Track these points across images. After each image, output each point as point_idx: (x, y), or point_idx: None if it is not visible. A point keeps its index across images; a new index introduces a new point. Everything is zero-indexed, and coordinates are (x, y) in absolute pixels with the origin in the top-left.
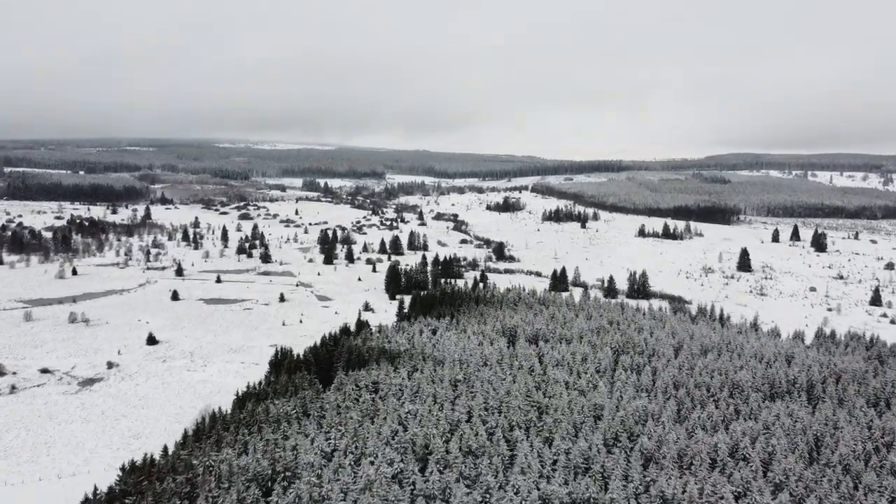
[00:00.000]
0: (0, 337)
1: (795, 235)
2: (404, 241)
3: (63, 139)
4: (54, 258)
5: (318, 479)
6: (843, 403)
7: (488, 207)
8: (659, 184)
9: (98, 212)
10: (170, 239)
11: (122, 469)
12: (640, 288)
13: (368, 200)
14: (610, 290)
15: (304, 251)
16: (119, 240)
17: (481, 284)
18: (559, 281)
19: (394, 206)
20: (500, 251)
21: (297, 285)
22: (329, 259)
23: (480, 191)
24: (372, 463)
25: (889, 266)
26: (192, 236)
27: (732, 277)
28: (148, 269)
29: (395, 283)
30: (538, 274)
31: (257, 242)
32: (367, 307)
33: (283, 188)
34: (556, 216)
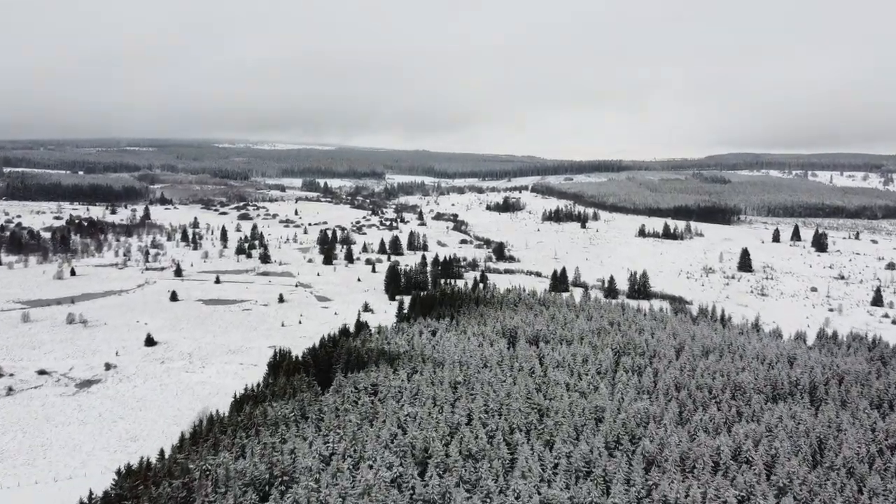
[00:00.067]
0: None
1: (796, 235)
2: (404, 241)
3: (62, 139)
4: (53, 259)
5: (317, 483)
6: (846, 405)
7: (488, 207)
8: (659, 184)
9: (97, 212)
10: (169, 239)
11: (118, 473)
12: (640, 288)
13: (368, 200)
14: (610, 290)
15: (303, 251)
16: (118, 240)
17: (481, 285)
18: (559, 281)
19: (393, 207)
20: (499, 251)
21: (296, 286)
22: (328, 259)
23: (480, 191)
24: (371, 467)
25: (890, 266)
26: (191, 236)
27: (733, 278)
28: (147, 269)
29: (395, 283)
30: (538, 274)
31: (256, 243)
32: (366, 308)
33: (282, 188)
34: (556, 216)
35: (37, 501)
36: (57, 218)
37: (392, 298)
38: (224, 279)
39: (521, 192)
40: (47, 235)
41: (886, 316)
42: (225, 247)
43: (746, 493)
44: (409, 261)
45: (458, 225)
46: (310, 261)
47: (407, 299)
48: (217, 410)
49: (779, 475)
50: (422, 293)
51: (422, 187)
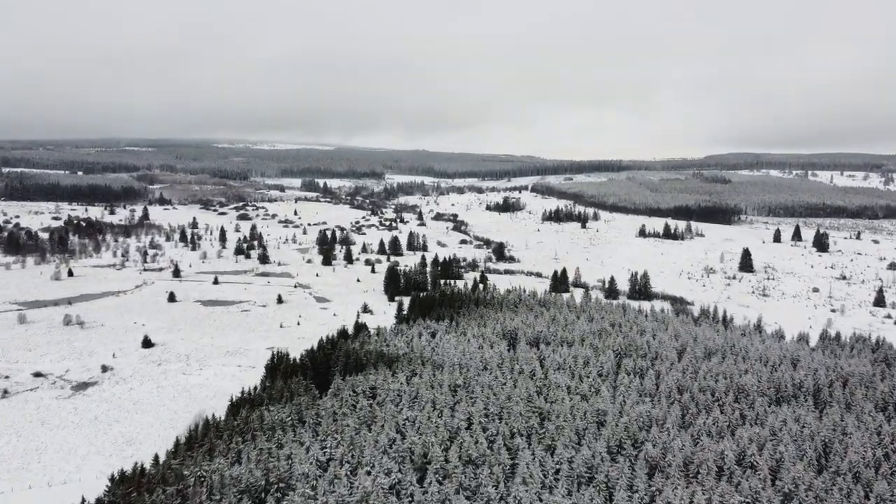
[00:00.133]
0: None
1: (797, 235)
2: (403, 241)
3: (61, 139)
4: (51, 259)
5: (313, 490)
6: (850, 408)
7: (488, 207)
8: (659, 183)
9: (96, 212)
10: (167, 240)
11: (112, 479)
12: (641, 289)
13: (368, 201)
14: (611, 290)
15: (302, 252)
16: (116, 241)
17: (481, 285)
18: (560, 282)
19: (393, 207)
20: (499, 252)
21: (295, 286)
22: (328, 260)
23: (480, 191)
24: (369, 473)
25: (892, 266)
26: (189, 237)
27: (734, 278)
28: (145, 270)
29: (394, 284)
30: (538, 274)
31: (255, 243)
32: (365, 309)
33: (281, 188)
34: (556, 216)
35: None
36: (55, 218)
37: (391, 299)
38: (222, 280)
39: (520, 192)
40: (45, 236)
41: (889, 317)
42: (223, 247)
43: (752, 499)
44: (408, 261)
45: (458, 225)
46: (309, 261)
47: (406, 300)
48: (213, 414)
49: (784, 480)
50: (421, 294)
51: (421, 187)
